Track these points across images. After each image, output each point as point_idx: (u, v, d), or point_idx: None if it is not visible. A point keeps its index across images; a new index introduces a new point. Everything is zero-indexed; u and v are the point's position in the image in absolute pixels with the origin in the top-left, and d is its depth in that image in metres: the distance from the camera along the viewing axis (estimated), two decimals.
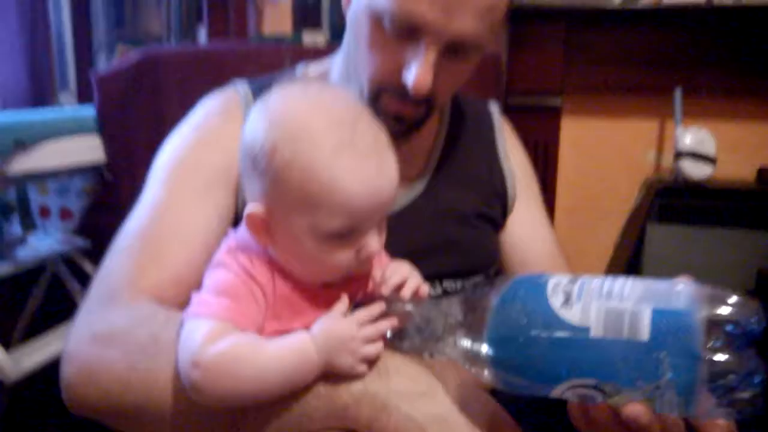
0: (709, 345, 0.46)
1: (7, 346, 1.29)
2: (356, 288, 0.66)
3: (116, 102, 1.34)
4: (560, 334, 0.51)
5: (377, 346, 0.60)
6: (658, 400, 0.48)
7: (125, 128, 1.35)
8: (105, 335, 0.67)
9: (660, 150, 1.95)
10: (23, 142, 1.19)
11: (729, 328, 0.46)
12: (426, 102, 0.81)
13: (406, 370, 0.63)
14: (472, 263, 0.93)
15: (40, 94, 2.02)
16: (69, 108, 1.42)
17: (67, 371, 0.67)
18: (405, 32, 0.74)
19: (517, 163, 1.02)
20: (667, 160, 1.90)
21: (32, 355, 1.27)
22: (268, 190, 0.61)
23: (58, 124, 1.30)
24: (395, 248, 0.78)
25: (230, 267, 0.63)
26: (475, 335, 0.57)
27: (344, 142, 0.59)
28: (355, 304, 0.64)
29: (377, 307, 0.61)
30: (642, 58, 1.87)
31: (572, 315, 0.51)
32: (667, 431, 0.51)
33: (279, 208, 0.61)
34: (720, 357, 0.46)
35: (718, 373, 0.46)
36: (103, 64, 2.16)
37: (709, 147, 1.76)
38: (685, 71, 1.85)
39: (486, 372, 0.57)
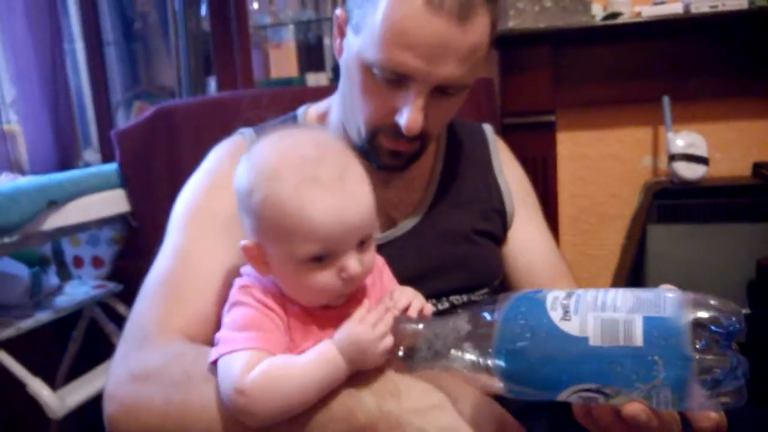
0: (697, 345, 0.50)
1: (52, 387, 1.36)
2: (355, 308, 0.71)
3: (136, 154, 1.42)
4: (562, 344, 0.55)
5: (390, 339, 0.65)
6: (654, 398, 0.52)
7: (146, 178, 1.42)
8: (141, 374, 0.72)
9: (656, 155, 2.00)
10: (56, 201, 1.29)
11: (713, 328, 0.50)
12: (419, 138, 0.85)
13: (416, 387, 0.67)
14: (476, 278, 0.96)
15: (66, 154, 2.07)
16: (94, 167, 1.52)
17: (109, 409, 0.72)
18: (394, 80, 0.79)
19: (512, 179, 1.06)
20: (664, 163, 1.95)
21: (76, 393, 1.34)
22: (254, 226, 0.69)
23: (86, 181, 1.39)
24: (403, 271, 0.83)
25: (247, 303, 0.69)
26: (483, 349, 0.60)
27: (308, 178, 0.65)
28: None
29: (382, 308, 0.67)
30: (628, 71, 1.92)
31: (571, 327, 0.54)
32: (664, 425, 0.55)
33: (264, 240, 0.69)
34: (707, 355, 0.50)
35: (706, 369, 0.50)
36: (122, 121, 2.22)
37: (700, 148, 1.81)
38: (671, 79, 1.90)
39: (495, 383, 0.60)
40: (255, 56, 2.45)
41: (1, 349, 1.31)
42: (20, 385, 1.30)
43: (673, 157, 1.81)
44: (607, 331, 0.53)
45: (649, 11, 1.83)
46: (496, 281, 1.00)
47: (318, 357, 0.65)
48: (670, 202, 1.78)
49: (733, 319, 0.51)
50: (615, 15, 1.84)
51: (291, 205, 0.65)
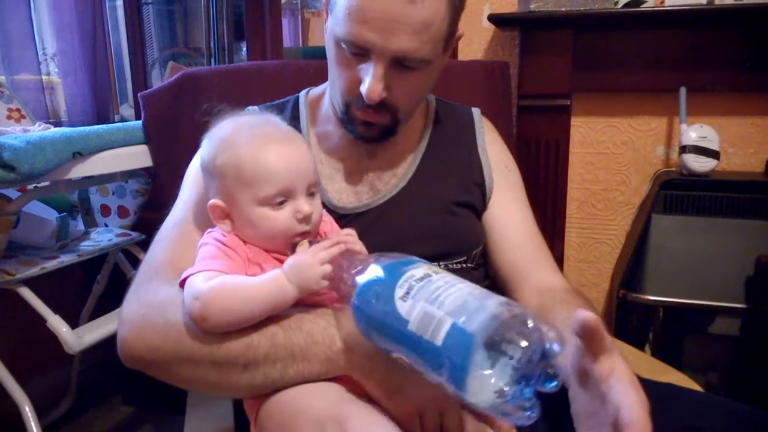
0: (485, 365, 0.53)
1: (77, 325, 1.47)
2: None
3: (159, 116, 1.49)
4: (391, 319, 0.62)
5: (328, 267, 0.75)
6: (445, 387, 0.58)
7: (168, 138, 1.49)
8: (148, 302, 0.83)
9: (669, 145, 2.00)
10: (80, 152, 1.34)
11: (509, 354, 0.53)
12: (388, 110, 0.94)
13: None
14: (454, 247, 1.04)
15: (102, 108, 2.17)
16: (120, 123, 1.58)
17: (122, 332, 0.82)
18: (357, 53, 0.88)
19: (494, 156, 1.13)
20: (677, 154, 1.93)
21: (93, 332, 1.43)
22: (219, 186, 0.83)
23: (111, 135, 1.44)
24: (384, 237, 0.91)
25: (209, 242, 0.83)
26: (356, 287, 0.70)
27: (259, 135, 0.83)
28: None
29: (327, 242, 0.78)
30: (647, 59, 1.91)
31: (402, 307, 0.62)
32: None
33: (229, 195, 0.83)
34: (489, 374, 0.53)
35: (483, 387, 0.53)
36: (156, 79, 2.29)
37: (712, 142, 1.82)
38: (689, 70, 1.88)
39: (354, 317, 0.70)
40: (294, 23, 2.50)
41: (26, 286, 1.40)
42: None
43: (684, 149, 1.82)
44: (423, 323, 0.59)
45: (672, 0, 1.80)
46: (476, 250, 1.06)
47: (266, 277, 0.77)
48: (676, 192, 1.78)
49: (537, 351, 0.53)
50: (638, 2, 1.83)
51: (251, 158, 0.80)
